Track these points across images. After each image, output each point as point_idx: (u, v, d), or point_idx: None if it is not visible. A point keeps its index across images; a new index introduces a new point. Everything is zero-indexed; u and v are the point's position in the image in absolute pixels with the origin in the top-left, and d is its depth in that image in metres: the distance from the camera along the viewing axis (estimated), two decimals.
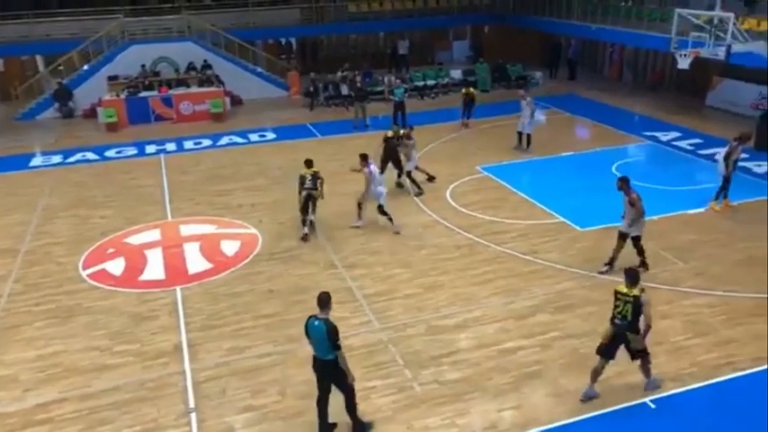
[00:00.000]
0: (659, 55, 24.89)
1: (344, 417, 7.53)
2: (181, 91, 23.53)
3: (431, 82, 26.14)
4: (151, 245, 12.92)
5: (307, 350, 9.11)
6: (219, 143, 20.19)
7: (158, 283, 11.39)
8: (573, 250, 12.02)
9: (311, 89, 24.43)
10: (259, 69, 26.94)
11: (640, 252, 10.96)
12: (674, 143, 18.33)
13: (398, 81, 21.67)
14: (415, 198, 14.86)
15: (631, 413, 7.80)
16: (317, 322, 7.03)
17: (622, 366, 8.56)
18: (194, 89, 23.78)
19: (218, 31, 25.71)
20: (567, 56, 28.66)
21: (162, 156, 19.03)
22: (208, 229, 13.68)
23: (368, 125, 21.08)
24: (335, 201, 14.83)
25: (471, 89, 21.09)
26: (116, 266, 12.07)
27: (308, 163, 13.21)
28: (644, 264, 10.92)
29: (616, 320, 7.64)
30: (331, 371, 7.19)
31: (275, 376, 8.70)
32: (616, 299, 7.62)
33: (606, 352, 7.83)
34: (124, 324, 10.13)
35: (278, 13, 27.56)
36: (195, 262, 12.14)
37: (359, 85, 22.68)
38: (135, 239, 13.23)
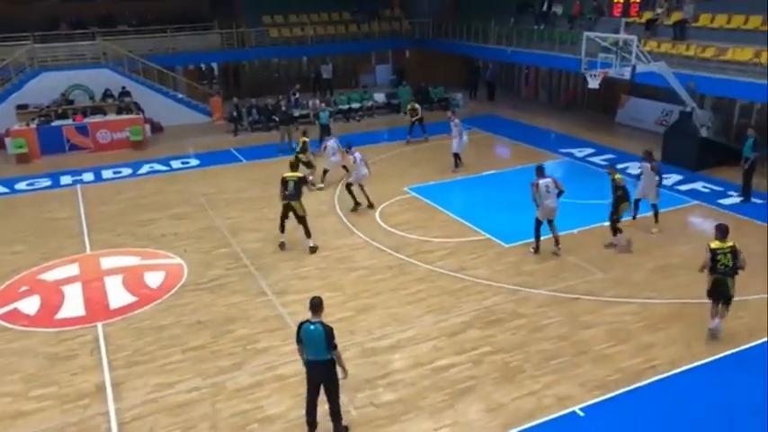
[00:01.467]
0: (571, 75, 26.13)
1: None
2: (97, 119, 22.69)
3: (355, 105, 26.43)
4: (69, 280, 12.29)
5: (237, 381, 8.97)
6: (140, 171, 19.57)
7: (77, 321, 10.83)
8: (499, 266, 12.32)
9: (234, 114, 24.14)
10: (180, 95, 26.41)
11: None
12: (589, 159, 19.21)
13: (323, 104, 21.75)
14: (345, 220, 14.86)
15: (561, 423, 8.00)
16: (312, 326, 7.28)
17: (549, 378, 8.81)
18: (112, 117, 22.97)
19: (136, 57, 25.05)
20: (485, 78, 29.66)
21: (79, 186, 18.23)
22: (130, 260, 13.17)
23: (294, 148, 20.96)
24: (263, 226, 14.66)
25: (416, 104, 21.73)
26: (30, 305, 11.39)
27: (293, 165, 13.54)
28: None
29: (719, 270, 9.25)
30: (326, 372, 7.48)
31: (205, 411, 8.41)
32: (716, 254, 9.20)
33: (715, 295, 9.48)
34: (40, 366, 9.56)
35: (198, 38, 27.16)
36: (117, 296, 11.64)
37: (284, 108, 22.62)
38: (50, 275, 12.55)
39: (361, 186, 15.34)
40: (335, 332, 7.44)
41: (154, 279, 12.28)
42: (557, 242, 12.65)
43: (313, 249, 13.14)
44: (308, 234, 13.18)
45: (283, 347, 9.73)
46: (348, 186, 15.23)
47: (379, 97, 27.36)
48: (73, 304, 11.35)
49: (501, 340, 9.78)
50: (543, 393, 8.49)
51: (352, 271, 12.32)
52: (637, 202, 14.00)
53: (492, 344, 9.69)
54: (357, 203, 15.32)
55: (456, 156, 18.34)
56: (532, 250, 12.76)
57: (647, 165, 13.65)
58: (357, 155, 15.18)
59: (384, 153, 20.62)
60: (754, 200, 15.32)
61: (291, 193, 12.80)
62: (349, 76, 31.29)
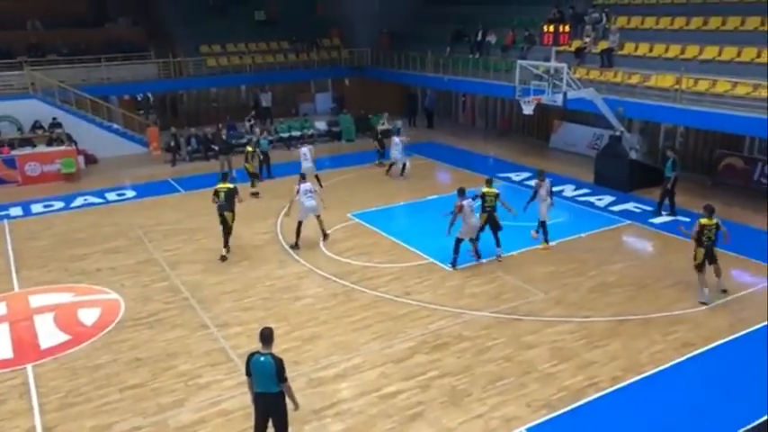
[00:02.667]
0: (506, 102, 26.92)
1: None
2: (26, 151, 21.82)
3: (296, 133, 26.41)
4: None
5: (180, 419, 8.66)
6: (73, 204, 18.86)
7: (5, 363, 10.24)
8: (443, 289, 12.44)
9: (172, 144, 23.68)
10: (115, 126, 25.72)
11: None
12: (526, 183, 19.70)
13: (264, 133, 21.64)
14: (288, 248, 14.71)
15: None
16: (262, 358, 7.15)
17: (496, 399, 8.90)
18: (42, 149, 22.13)
19: (67, 87, 24.32)
20: (424, 106, 30.21)
21: (6, 222, 17.38)
22: (63, 297, 12.61)
23: (234, 177, 20.71)
24: (203, 257, 14.35)
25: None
26: None
27: (224, 176, 14.36)
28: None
29: (706, 244, 11.33)
30: (275, 405, 7.37)
31: None
32: (704, 229, 11.27)
33: (702, 267, 11.49)
34: None
35: (134, 67, 26.61)
36: (49, 335, 11.10)
37: (223, 137, 22.36)
38: None
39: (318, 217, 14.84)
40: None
41: (88, 316, 11.79)
42: (479, 256, 13.45)
43: (224, 258, 14.04)
44: (225, 242, 14.18)
45: (227, 381, 9.49)
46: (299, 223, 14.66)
47: (321, 125, 27.44)
48: None
49: (447, 364, 9.83)
50: (490, 415, 8.55)
51: (296, 300, 12.18)
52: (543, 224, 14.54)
53: (439, 368, 9.73)
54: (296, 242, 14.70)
55: (397, 164, 20.41)
56: (451, 266, 13.27)
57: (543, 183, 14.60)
58: (303, 186, 14.61)
59: (327, 180, 20.57)
60: (680, 217, 16.06)
61: (222, 204, 13.74)
62: (289, 104, 31.28)
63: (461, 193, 13.29)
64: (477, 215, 13.51)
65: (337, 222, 16.29)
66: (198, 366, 9.95)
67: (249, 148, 19.55)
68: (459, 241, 13.21)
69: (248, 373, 7.30)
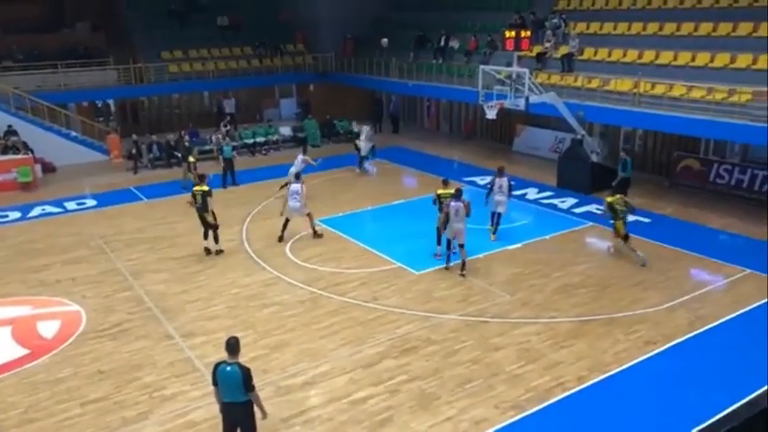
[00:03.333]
0: (470, 107, 27.19)
1: None
2: None
3: (260, 139, 26.20)
4: None
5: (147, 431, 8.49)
6: (31, 215, 18.35)
7: None
8: (411, 293, 12.47)
9: (133, 151, 23.26)
10: (73, 134, 25.15)
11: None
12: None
13: (226, 139, 21.41)
14: (254, 255, 14.58)
15: None
16: (228, 368, 7.10)
17: (464, 402, 8.94)
18: None
19: (23, 93, 23.69)
20: (389, 111, 30.31)
21: None
22: (20, 310, 12.25)
23: (210, 179, 20.44)
24: (166, 266, 14.12)
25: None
26: None
27: (201, 178, 14.80)
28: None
29: (621, 216, 13.33)
30: (243, 414, 7.32)
31: None
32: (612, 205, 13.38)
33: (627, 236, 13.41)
34: None
35: (92, 74, 26.05)
36: (6, 349, 10.76)
37: (186, 144, 22.05)
38: None
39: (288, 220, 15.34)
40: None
41: (48, 329, 11.47)
42: (463, 266, 13.01)
43: (219, 252, 14.68)
44: (215, 239, 14.77)
45: (193, 392, 9.34)
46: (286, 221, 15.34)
47: (286, 131, 27.28)
48: None
49: (416, 368, 9.85)
50: (459, 418, 8.59)
51: (263, 308, 12.06)
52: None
53: (407, 372, 9.74)
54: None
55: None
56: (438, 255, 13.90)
57: (503, 179, 15.09)
58: (292, 186, 15.40)
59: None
60: (640, 218, 16.41)
61: (200, 206, 14.37)
62: (253, 109, 31.03)
63: (457, 193, 13.29)
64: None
65: (304, 228, 16.19)
66: (163, 378, 9.77)
67: (192, 159, 19.65)
68: (440, 232, 13.74)
69: (215, 383, 7.24)
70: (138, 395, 9.33)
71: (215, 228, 14.70)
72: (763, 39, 17.30)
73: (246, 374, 7.11)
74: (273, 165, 23.26)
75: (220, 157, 20.81)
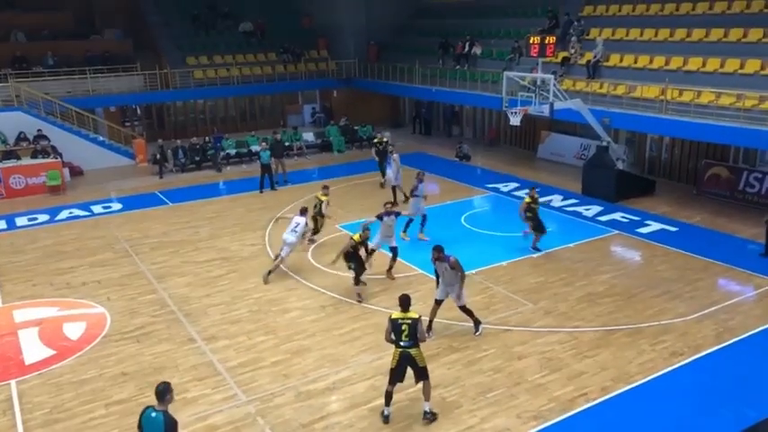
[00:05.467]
0: (494, 113, 27.06)
1: None
2: (10, 164, 21.57)
3: (286, 144, 26.32)
4: None
5: None
6: (59, 218, 18.67)
7: None
8: (432, 300, 12.33)
9: (158, 156, 23.57)
10: (101, 138, 25.56)
11: (469, 313, 10.92)
12: (514, 193, 19.79)
13: (263, 144, 21.56)
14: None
15: None
16: (153, 414, 6.45)
17: (486, 411, 8.84)
18: (26, 161, 21.93)
19: (53, 99, 24.15)
20: (422, 115, 30.48)
21: None
22: (47, 312, 12.44)
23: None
24: (190, 270, 14.25)
25: (383, 138, 21.57)
26: None
27: (324, 188, 15.37)
28: (477, 323, 10.95)
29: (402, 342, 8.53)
30: None
31: None
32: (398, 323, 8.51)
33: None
34: None
35: (120, 79, 26.49)
36: (33, 350, 10.94)
37: (209, 147, 22.30)
38: None
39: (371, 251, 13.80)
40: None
41: (74, 330, 11.63)
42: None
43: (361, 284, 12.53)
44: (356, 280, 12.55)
45: (214, 396, 9.39)
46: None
47: (309, 137, 27.41)
48: None
49: (437, 375, 9.77)
50: (481, 427, 8.50)
51: (285, 312, 12.09)
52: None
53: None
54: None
55: (395, 189, 18.90)
56: None
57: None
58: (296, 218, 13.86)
59: (316, 191, 20.53)
60: (665, 226, 16.16)
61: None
62: (277, 115, 31.27)
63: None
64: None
65: (326, 234, 16.23)
66: (185, 380, 9.83)
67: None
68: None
69: (139, 428, 6.59)
70: None
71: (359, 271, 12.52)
72: None
73: (170, 425, 6.39)
74: (297, 170, 23.33)
75: (259, 161, 21.00)
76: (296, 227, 13.58)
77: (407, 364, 8.53)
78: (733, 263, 13.78)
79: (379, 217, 13.53)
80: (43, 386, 9.85)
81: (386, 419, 8.63)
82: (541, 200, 18.54)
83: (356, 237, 12.52)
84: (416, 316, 8.54)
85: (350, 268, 12.53)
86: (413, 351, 8.49)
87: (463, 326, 11.28)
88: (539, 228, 14.67)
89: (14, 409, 9.26)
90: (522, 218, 14.83)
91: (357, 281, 12.51)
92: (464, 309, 10.92)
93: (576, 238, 15.60)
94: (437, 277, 10.98)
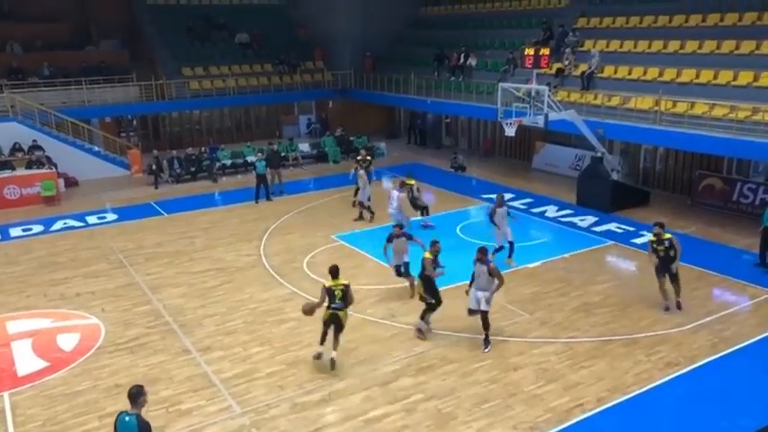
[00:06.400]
0: (489, 124, 27.16)
1: None
2: (5, 174, 21.51)
3: (282, 154, 26.35)
4: None
5: None
6: (53, 228, 18.60)
7: None
8: (425, 311, 12.34)
9: (153, 166, 23.55)
10: (96, 148, 25.53)
11: (486, 326, 10.80)
12: (509, 203, 19.75)
13: (259, 154, 21.57)
14: (272, 271, 14.61)
15: None
16: (127, 418, 6.49)
17: (482, 422, 8.81)
18: (21, 172, 21.87)
19: (48, 110, 24.13)
20: (417, 126, 30.58)
21: None
22: (41, 323, 12.36)
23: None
24: (185, 281, 14.20)
25: (366, 155, 20.60)
26: None
27: (408, 176, 17.13)
28: (487, 338, 10.84)
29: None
30: None
31: None
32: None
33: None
34: None
35: (116, 90, 26.49)
36: (26, 362, 10.86)
37: (205, 158, 22.31)
38: None
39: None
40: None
41: (67, 342, 11.56)
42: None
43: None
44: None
45: (209, 407, 9.33)
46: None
47: (305, 147, 27.44)
48: None
49: (433, 387, 9.75)
50: None
51: (281, 323, 12.05)
52: (501, 248, 14.59)
53: (424, 391, 9.64)
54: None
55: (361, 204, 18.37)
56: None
57: (503, 209, 14.45)
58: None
59: (312, 202, 20.59)
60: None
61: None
62: (272, 125, 31.32)
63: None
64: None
65: (321, 244, 16.22)
66: (180, 392, 9.78)
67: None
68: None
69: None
70: (155, 409, 9.31)
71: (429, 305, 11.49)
72: None
73: (143, 428, 6.44)
74: (293, 180, 23.33)
75: (254, 172, 20.98)
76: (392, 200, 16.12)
77: (333, 322, 10.17)
78: (728, 273, 13.82)
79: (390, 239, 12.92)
80: (36, 398, 9.77)
81: (318, 356, 10.25)
82: (536, 210, 18.63)
83: (428, 255, 11.46)
84: (347, 282, 10.22)
85: (425, 301, 11.26)
86: (340, 312, 10.16)
87: (458, 336, 11.26)
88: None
89: (7, 422, 9.18)
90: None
91: (427, 314, 11.36)
92: (485, 318, 10.73)
93: (570, 248, 15.62)
94: (471, 280, 10.92)
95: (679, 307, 12.11)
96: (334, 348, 10.20)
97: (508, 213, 14.65)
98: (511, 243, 14.58)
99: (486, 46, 27.12)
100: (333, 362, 10.18)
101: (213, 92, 28.39)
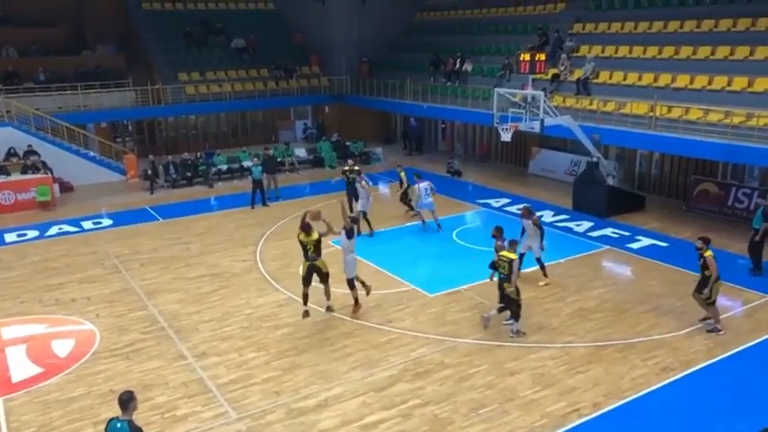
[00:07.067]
0: (485, 129, 27.22)
1: None
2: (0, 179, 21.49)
3: (278, 160, 26.36)
4: None
5: None
6: (48, 233, 18.53)
7: None
8: (424, 316, 12.37)
9: (149, 171, 23.51)
10: (91, 153, 25.49)
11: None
12: (505, 208, 19.86)
13: (255, 159, 21.56)
14: (268, 276, 14.58)
15: None
16: (119, 424, 6.47)
17: (478, 427, 8.80)
18: (16, 177, 21.80)
19: (43, 114, 24.08)
20: (412, 131, 30.54)
21: None
22: (35, 329, 12.31)
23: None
24: (181, 286, 14.16)
25: (353, 166, 19.36)
26: None
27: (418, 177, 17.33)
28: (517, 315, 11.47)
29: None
30: None
31: None
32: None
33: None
34: None
35: (112, 95, 26.48)
36: (20, 368, 10.80)
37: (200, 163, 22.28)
38: None
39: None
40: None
41: (62, 347, 11.51)
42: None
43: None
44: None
45: (204, 413, 9.29)
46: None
47: (301, 152, 27.45)
48: None
49: (429, 392, 9.73)
50: None
51: (276, 329, 12.02)
52: (522, 255, 14.22)
53: (420, 396, 9.63)
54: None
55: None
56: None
57: (529, 221, 13.81)
58: (422, 185, 17.23)
59: (308, 207, 20.46)
60: (655, 242, 16.24)
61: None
62: (269, 130, 31.32)
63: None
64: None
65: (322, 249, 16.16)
66: (175, 398, 9.74)
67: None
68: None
69: None
70: (150, 415, 9.29)
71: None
72: None
73: None
74: (288, 185, 23.34)
75: (250, 177, 20.94)
76: (427, 190, 17.02)
77: (313, 272, 11.62)
78: (722, 278, 13.78)
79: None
80: (31, 404, 9.72)
81: (306, 314, 11.64)
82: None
83: (512, 255, 11.26)
84: (317, 236, 11.51)
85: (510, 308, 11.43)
86: (317, 262, 11.65)
87: (455, 341, 11.26)
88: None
89: (1, 428, 9.12)
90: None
91: (518, 316, 11.43)
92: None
93: (566, 253, 15.64)
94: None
95: (711, 330, 11.38)
96: (327, 298, 11.73)
97: (536, 225, 13.79)
98: (538, 260, 14.00)
99: (482, 51, 27.20)
100: (329, 308, 11.70)
101: (209, 97, 28.39)
